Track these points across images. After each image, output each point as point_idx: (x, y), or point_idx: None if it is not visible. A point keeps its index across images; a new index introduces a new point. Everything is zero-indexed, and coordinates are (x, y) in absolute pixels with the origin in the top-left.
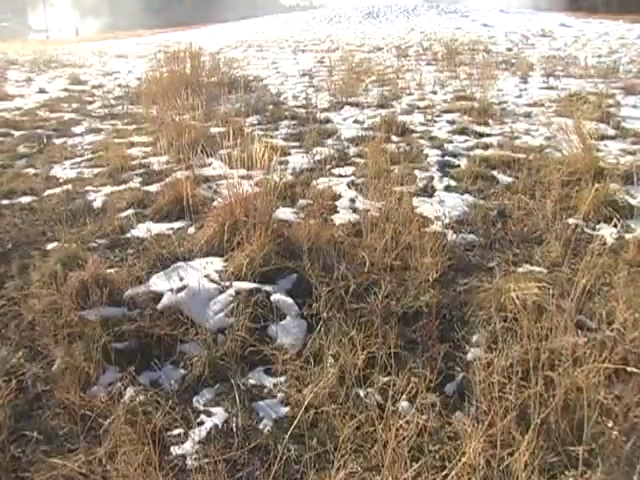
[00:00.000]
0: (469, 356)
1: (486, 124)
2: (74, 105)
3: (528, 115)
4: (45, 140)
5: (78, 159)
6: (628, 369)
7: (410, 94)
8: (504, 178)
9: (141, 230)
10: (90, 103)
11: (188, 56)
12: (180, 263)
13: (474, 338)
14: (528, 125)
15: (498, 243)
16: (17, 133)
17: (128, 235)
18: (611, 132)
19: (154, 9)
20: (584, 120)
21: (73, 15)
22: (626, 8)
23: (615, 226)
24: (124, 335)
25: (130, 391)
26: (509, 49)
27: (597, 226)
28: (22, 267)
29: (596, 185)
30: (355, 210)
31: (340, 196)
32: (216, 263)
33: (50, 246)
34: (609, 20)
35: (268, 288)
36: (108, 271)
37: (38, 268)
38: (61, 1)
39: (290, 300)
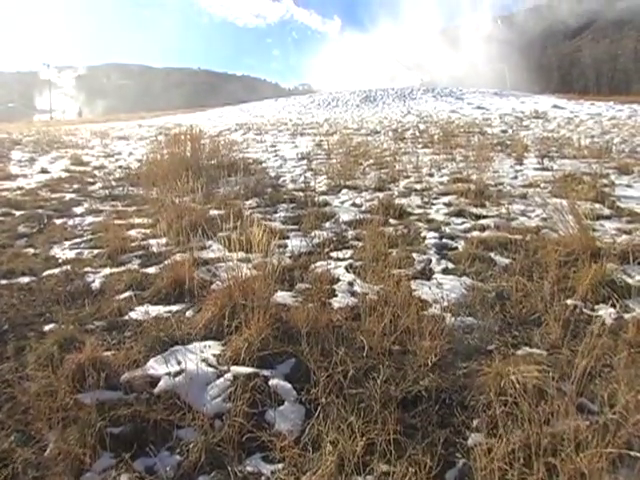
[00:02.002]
0: (469, 442)
1: (483, 206)
2: (75, 186)
3: (524, 196)
4: (45, 220)
5: (78, 240)
6: (632, 453)
7: (407, 177)
8: (501, 260)
9: (139, 313)
10: (91, 184)
11: (188, 139)
12: (178, 347)
13: (474, 423)
14: (524, 206)
15: (497, 325)
16: (18, 213)
17: (126, 317)
18: (606, 212)
19: (156, 92)
20: (579, 200)
21: (78, 97)
22: (616, 90)
23: (614, 306)
24: (120, 420)
25: (124, 478)
26: (504, 131)
27: (596, 307)
28: (18, 348)
29: (593, 265)
30: (353, 294)
31: (338, 279)
32: (214, 347)
33: (47, 327)
34: (600, 101)
35: (266, 373)
36: (105, 354)
37: (34, 350)
38: (67, 84)
39: (288, 385)
